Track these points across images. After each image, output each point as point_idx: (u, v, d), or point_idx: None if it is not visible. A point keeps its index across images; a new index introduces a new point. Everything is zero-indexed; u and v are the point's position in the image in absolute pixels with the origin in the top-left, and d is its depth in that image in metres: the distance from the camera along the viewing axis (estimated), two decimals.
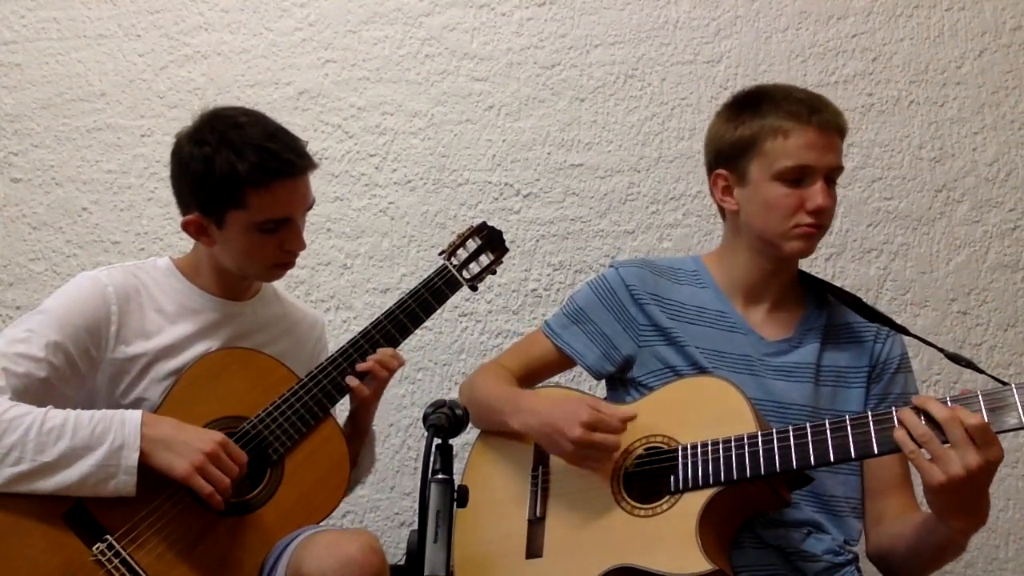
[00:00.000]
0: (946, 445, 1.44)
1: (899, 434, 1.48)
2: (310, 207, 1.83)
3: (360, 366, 1.83)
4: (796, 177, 1.74)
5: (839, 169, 1.77)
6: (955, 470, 1.42)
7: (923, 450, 1.46)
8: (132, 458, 1.61)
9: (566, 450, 1.68)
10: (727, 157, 1.82)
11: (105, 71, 2.59)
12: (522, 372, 1.92)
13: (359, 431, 1.94)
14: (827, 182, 1.75)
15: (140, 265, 1.87)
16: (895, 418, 1.50)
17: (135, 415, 1.65)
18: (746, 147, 1.78)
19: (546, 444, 1.73)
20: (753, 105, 1.79)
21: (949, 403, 1.47)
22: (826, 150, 1.74)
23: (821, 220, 1.74)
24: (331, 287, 2.53)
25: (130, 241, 2.53)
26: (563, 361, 1.92)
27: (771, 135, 1.75)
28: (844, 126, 1.79)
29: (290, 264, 1.85)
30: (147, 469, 1.63)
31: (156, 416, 1.68)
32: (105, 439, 1.61)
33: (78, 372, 1.72)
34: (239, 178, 1.70)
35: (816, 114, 1.75)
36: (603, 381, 1.97)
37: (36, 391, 1.67)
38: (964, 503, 1.49)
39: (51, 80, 2.58)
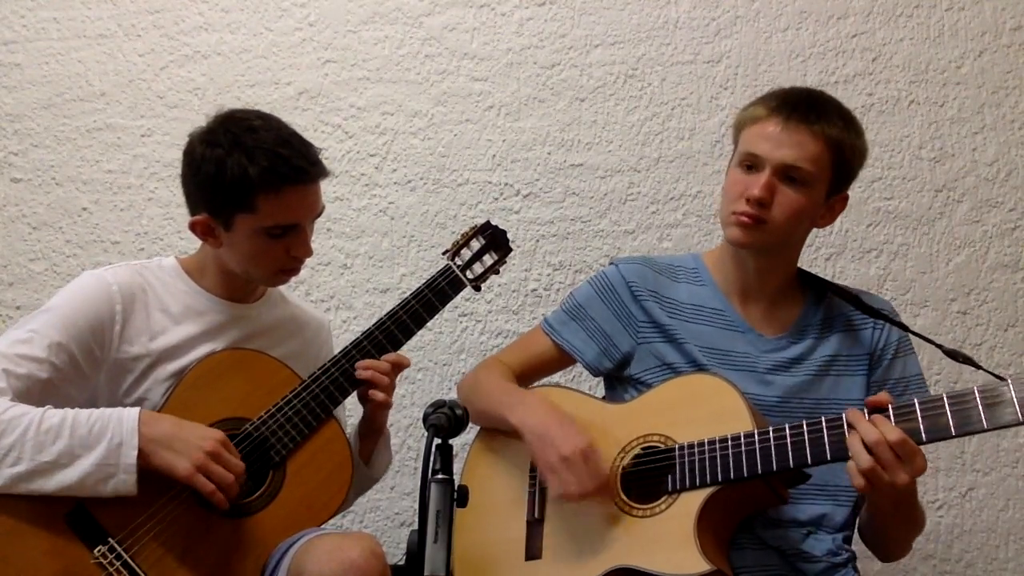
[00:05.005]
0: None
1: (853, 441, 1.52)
2: (319, 214, 1.82)
3: (361, 374, 1.81)
4: (749, 163, 1.73)
5: (796, 169, 1.69)
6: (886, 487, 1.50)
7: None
8: (131, 456, 1.61)
9: (549, 460, 1.66)
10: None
11: (105, 71, 2.59)
12: (522, 369, 1.91)
13: (374, 430, 1.91)
14: (783, 180, 1.70)
15: (146, 264, 1.86)
16: (845, 424, 1.55)
17: (132, 413, 1.65)
18: (735, 137, 1.82)
19: (534, 446, 1.70)
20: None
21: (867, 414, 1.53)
22: (781, 145, 1.69)
23: (755, 211, 1.70)
24: (331, 287, 2.53)
25: (130, 241, 2.54)
26: (563, 358, 1.92)
27: (745, 123, 1.77)
28: (824, 132, 1.69)
29: (295, 270, 1.84)
30: (148, 471, 1.62)
31: (154, 414, 1.67)
32: (103, 437, 1.61)
33: (81, 372, 1.72)
34: (250, 182, 1.69)
35: (787, 107, 1.71)
36: (601, 379, 1.97)
37: (38, 392, 1.66)
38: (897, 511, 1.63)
39: (51, 80, 2.58)
